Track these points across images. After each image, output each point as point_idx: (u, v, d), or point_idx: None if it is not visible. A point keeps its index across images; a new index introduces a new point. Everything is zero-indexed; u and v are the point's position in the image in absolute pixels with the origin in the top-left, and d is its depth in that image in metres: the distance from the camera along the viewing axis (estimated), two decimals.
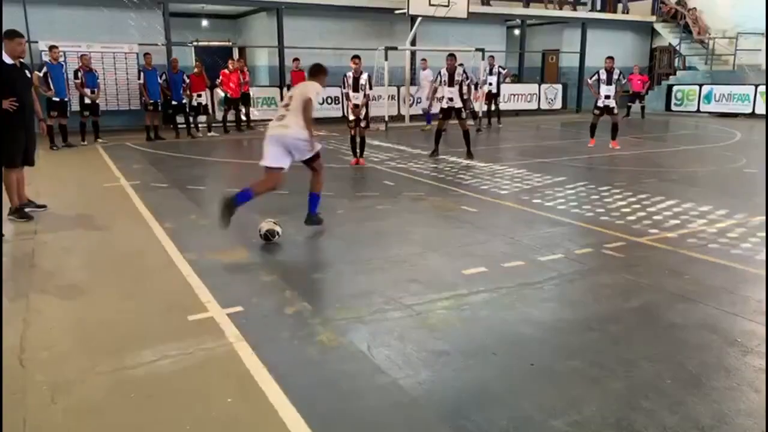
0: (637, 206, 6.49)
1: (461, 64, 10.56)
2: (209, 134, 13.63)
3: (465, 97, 10.37)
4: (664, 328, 3.55)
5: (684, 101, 19.70)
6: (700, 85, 19.39)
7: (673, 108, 19.93)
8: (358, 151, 9.58)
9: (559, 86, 20.59)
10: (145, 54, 12.93)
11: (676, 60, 21.84)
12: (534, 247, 5.11)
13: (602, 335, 3.45)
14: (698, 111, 19.16)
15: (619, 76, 11.26)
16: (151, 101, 12.80)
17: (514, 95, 19.18)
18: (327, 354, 3.19)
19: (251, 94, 15.04)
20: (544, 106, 20.11)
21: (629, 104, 18.32)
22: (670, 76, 21.40)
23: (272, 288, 4.18)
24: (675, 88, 20.09)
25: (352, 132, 9.53)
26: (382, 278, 4.36)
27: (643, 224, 5.77)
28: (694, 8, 21.20)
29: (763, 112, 17.53)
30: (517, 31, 20.94)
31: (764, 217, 5.91)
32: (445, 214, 6.48)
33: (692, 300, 3.95)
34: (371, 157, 10.18)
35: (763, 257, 4.74)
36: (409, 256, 4.92)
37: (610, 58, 11.32)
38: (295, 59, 14.73)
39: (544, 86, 20.32)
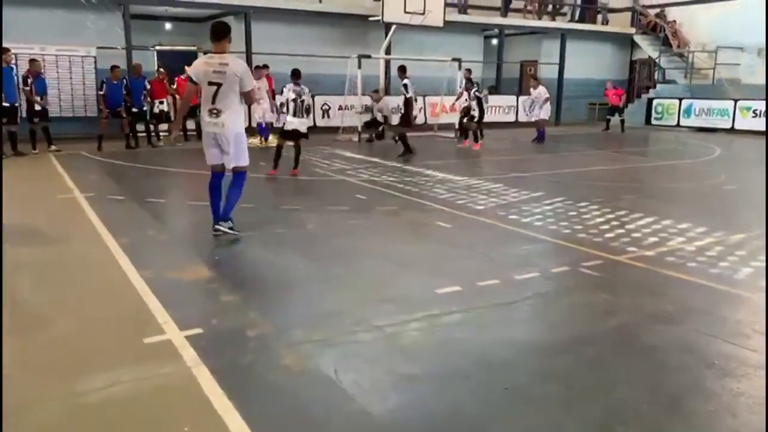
0: (616, 223, 6.62)
1: (407, 77, 11.06)
2: (160, 143, 13.33)
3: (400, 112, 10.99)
4: (641, 350, 3.61)
5: (664, 115, 20.22)
6: (680, 99, 19.94)
7: (653, 122, 20.44)
8: (293, 162, 9.48)
9: None
10: (113, 67, 12.60)
11: (656, 73, 22.43)
12: (510, 265, 5.17)
13: (578, 357, 3.49)
14: (678, 125, 19.69)
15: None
16: (116, 109, 12.56)
17: (492, 107, 19.43)
18: (291, 380, 3.16)
19: None
20: (522, 118, 20.41)
21: (608, 117, 18.74)
22: (650, 90, 21.97)
23: (235, 308, 4.14)
24: (655, 101, 20.62)
25: (280, 143, 9.44)
26: (353, 298, 4.36)
27: (621, 242, 5.88)
28: (674, 21, 21.85)
29: (743, 127, 18.11)
30: (494, 41, 21.31)
31: (744, 235, 6.08)
32: (419, 229, 6.52)
33: (670, 321, 4.03)
34: (344, 170, 10.20)
35: (743, 277, 4.87)
36: (381, 274, 4.93)
37: None
38: (264, 66, 14.74)
39: (522, 98, 20.64)
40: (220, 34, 5.46)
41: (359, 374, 3.22)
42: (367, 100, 13.83)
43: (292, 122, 9.20)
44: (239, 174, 5.76)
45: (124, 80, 12.78)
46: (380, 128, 13.46)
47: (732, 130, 18.34)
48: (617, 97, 18.45)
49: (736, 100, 18.56)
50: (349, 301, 4.27)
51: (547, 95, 15.17)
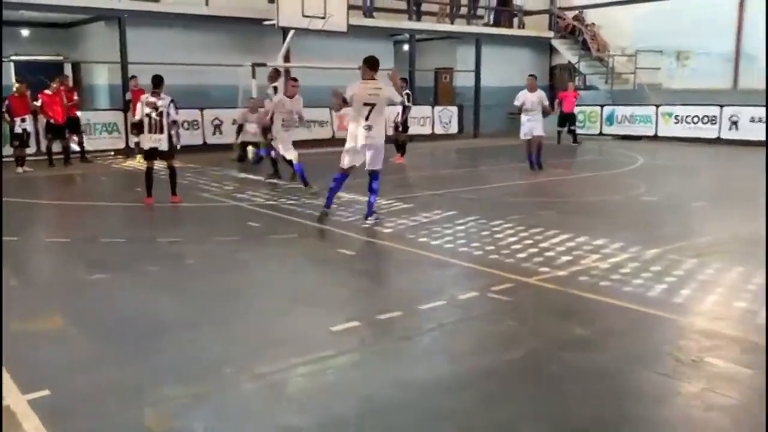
0: (529, 242, 6.88)
1: (275, 87, 11.13)
2: (19, 170, 12.62)
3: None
4: (548, 380, 3.75)
5: (586, 123, 21.26)
6: (602, 106, 21.07)
7: (580, 131, 21.43)
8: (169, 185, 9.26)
9: (455, 108, 21.55)
10: None
11: (576, 79, 23.62)
12: (414, 293, 5.25)
13: (478, 393, 3.58)
14: (601, 134, 20.76)
15: None
16: None
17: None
18: None
19: (84, 119, 14.38)
20: (439, 130, 20.91)
21: (560, 129, 18.73)
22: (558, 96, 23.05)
23: (93, 361, 3.97)
24: (576, 109, 21.67)
25: (149, 164, 9.22)
26: (236, 343, 4.28)
27: (533, 262, 6.12)
28: (593, 24, 23.17)
29: (666, 134, 19.36)
30: (406, 47, 21.79)
31: (659, 250, 6.47)
32: (319, 258, 6.53)
33: (579, 347, 4.21)
34: (236, 193, 10.07)
35: (655, 294, 5.18)
36: (270, 313, 4.88)
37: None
38: (132, 77, 14.50)
39: (437, 108, 21.18)
40: (375, 65, 7.81)
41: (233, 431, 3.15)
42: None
43: (149, 140, 8.96)
44: (376, 175, 7.91)
45: None
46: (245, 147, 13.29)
47: (655, 138, 19.55)
48: (573, 102, 18.49)
49: (657, 106, 19.83)
50: (230, 347, 4.19)
51: (546, 102, 12.85)
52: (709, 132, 18.56)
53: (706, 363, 3.93)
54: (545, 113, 12.76)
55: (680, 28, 20.20)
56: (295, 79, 10.76)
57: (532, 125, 12.47)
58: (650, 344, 4.27)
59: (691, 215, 8.65)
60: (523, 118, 12.67)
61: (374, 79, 7.76)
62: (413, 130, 19.69)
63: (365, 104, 7.61)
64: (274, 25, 15.68)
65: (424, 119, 20.62)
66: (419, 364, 3.99)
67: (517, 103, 12.79)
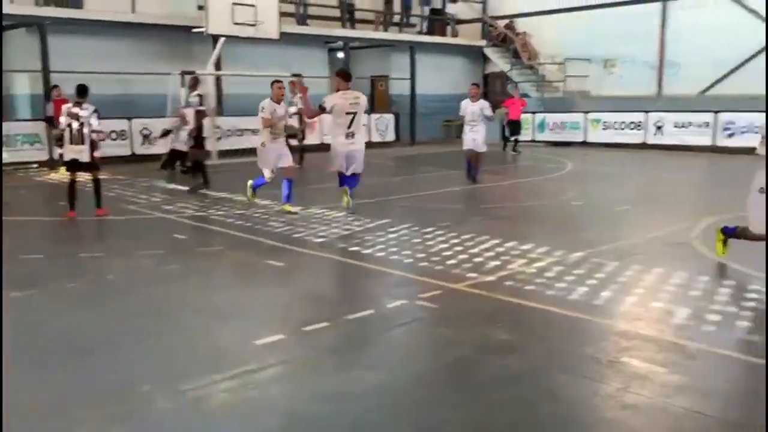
0: (459, 248, 6.97)
1: (199, 95, 10.97)
2: None
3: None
4: (471, 386, 3.80)
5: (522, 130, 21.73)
6: (534, 113, 21.59)
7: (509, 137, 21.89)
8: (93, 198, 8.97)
9: (391, 116, 21.70)
10: None
11: (509, 86, 24.15)
12: (343, 303, 5.25)
13: (404, 402, 3.60)
14: (533, 140, 21.26)
15: None
16: None
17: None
18: None
19: (4, 130, 13.85)
20: (375, 138, 20.98)
21: (507, 137, 18.79)
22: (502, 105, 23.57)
23: (7, 384, 3.78)
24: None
25: (72, 176, 8.89)
26: (156, 360, 4.19)
27: (462, 268, 6.20)
28: (524, 33, 23.76)
29: (595, 140, 20.00)
30: (341, 55, 21.84)
31: (583, 253, 6.66)
32: (246, 271, 6.45)
33: (502, 351, 4.29)
34: (164, 205, 9.85)
35: (577, 297, 5.32)
36: (193, 328, 4.80)
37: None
38: (54, 86, 14.09)
39: (374, 116, 21.26)
40: (349, 76, 8.92)
41: None
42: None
43: (70, 151, 8.71)
44: (358, 176, 9.05)
45: None
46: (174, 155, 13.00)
47: (585, 144, 20.16)
48: (519, 110, 18.60)
49: (586, 113, 20.47)
50: (151, 365, 4.09)
51: (491, 113, 12.33)
52: (636, 137, 19.29)
53: (623, 363, 4.06)
54: (489, 119, 12.23)
55: (606, 36, 20.90)
56: (279, 81, 9.74)
57: (474, 137, 12.05)
58: (570, 347, 4.38)
59: (614, 219, 8.95)
60: (465, 128, 12.22)
61: (349, 89, 8.49)
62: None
63: (347, 113, 8.32)
64: (203, 32, 15.45)
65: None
66: (344, 375, 3.98)
67: (460, 113, 12.36)
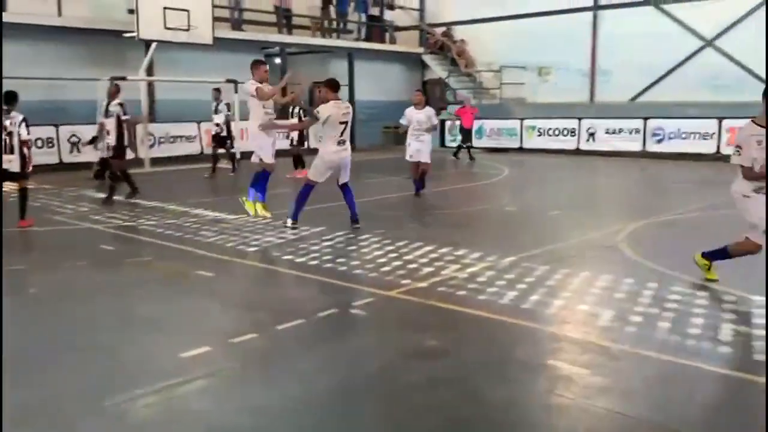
0: (394, 255, 7.00)
1: (121, 104, 10.67)
2: None
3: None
4: (399, 392, 3.82)
5: (458, 137, 22.03)
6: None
7: (448, 144, 22.16)
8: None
9: None
10: None
11: (447, 93, 24.45)
12: (272, 313, 5.19)
13: (331, 412, 3.59)
14: (471, 147, 21.55)
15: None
16: None
17: (279, 134, 19.64)
18: None
19: None
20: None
21: (461, 145, 18.83)
22: (443, 111, 23.87)
23: None
24: (448, 123, 22.42)
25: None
26: (78, 375, 4.05)
27: (396, 275, 6.22)
28: (461, 40, 24.11)
29: (531, 146, 20.46)
30: (278, 60, 21.69)
31: (514, 258, 6.78)
32: (175, 282, 6.30)
33: (432, 356, 4.33)
34: (92, 215, 9.55)
35: (507, 301, 5.41)
36: (118, 342, 4.65)
37: None
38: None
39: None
40: (338, 86, 8.65)
41: None
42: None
43: None
44: (349, 187, 8.79)
45: None
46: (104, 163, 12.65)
47: (521, 150, 20.58)
48: (471, 118, 18.65)
49: (522, 119, 20.91)
50: (71, 382, 3.96)
51: (435, 122, 11.71)
52: (569, 143, 19.82)
53: (549, 366, 4.15)
54: (433, 128, 11.59)
55: (541, 44, 21.40)
56: (262, 62, 9.26)
57: (419, 147, 11.25)
58: (499, 350, 4.45)
59: (546, 223, 9.15)
60: (409, 137, 11.39)
61: (339, 99, 8.49)
62: (285, 144, 19.62)
63: (340, 123, 8.31)
64: (134, 37, 15.10)
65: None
66: (271, 387, 3.93)
67: (402, 121, 11.51)
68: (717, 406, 3.69)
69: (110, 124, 10.77)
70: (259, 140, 8.87)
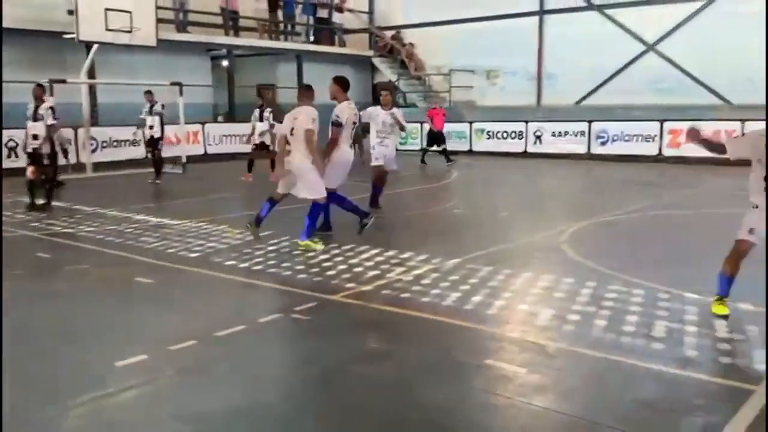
0: (340, 259, 7.00)
1: (52, 107, 10.37)
2: None
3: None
4: (339, 396, 3.83)
5: (408, 139, 22.15)
6: (421, 123, 22.05)
7: (399, 147, 22.24)
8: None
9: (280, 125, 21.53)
10: None
11: (397, 97, 24.59)
12: (213, 320, 5.12)
13: (271, 418, 3.58)
14: (422, 149, 21.71)
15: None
16: None
17: (226, 137, 19.46)
18: None
19: None
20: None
21: (427, 149, 18.59)
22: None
23: None
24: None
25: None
26: (9, 387, 3.91)
27: (341, 279, 6.23)
28: (410, 44, 24.27)
29: (480, 149, 20.72)
30: (225, 63, 21.48)
31: (459, 260, 6.86)
32: (114, 289, 6.17)
33: (373, 359, 4.35)
34: (28, 222, 9.28)
35: (450, 303, 5.48)
36: (53, 352, 4.56)
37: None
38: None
39: (261, 125, 20.97)
40: (348, 85, 8.30)
41: None
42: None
43: None
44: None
45: None
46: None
47: (470, 152, 20.82)
48: (442, 120, 18.42)
49: (471, 122, 21.16)
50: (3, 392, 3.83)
51: (404, 122, 10.57)
52: (517, 146, 20.16)
53: (487, 366, 4.22)
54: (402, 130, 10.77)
55: (489, 48, 21.74)
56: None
57: (385, 152, 10.19)
58: (440, 352, 4.49)
59: (492, 225, 9.30)
60: (374, 140, 10.29)
61: (349, 99, 8.20)
62: (241, 148, 19.43)
63: (353, 123, 8.18)
64: (74, 39, 14.74)
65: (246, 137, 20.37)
66: (210, 395, 3.88)
67: (366, 120, 10.30)
68: (651, 402, 3.81)
69: (39, 128, 10.41)
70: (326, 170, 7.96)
